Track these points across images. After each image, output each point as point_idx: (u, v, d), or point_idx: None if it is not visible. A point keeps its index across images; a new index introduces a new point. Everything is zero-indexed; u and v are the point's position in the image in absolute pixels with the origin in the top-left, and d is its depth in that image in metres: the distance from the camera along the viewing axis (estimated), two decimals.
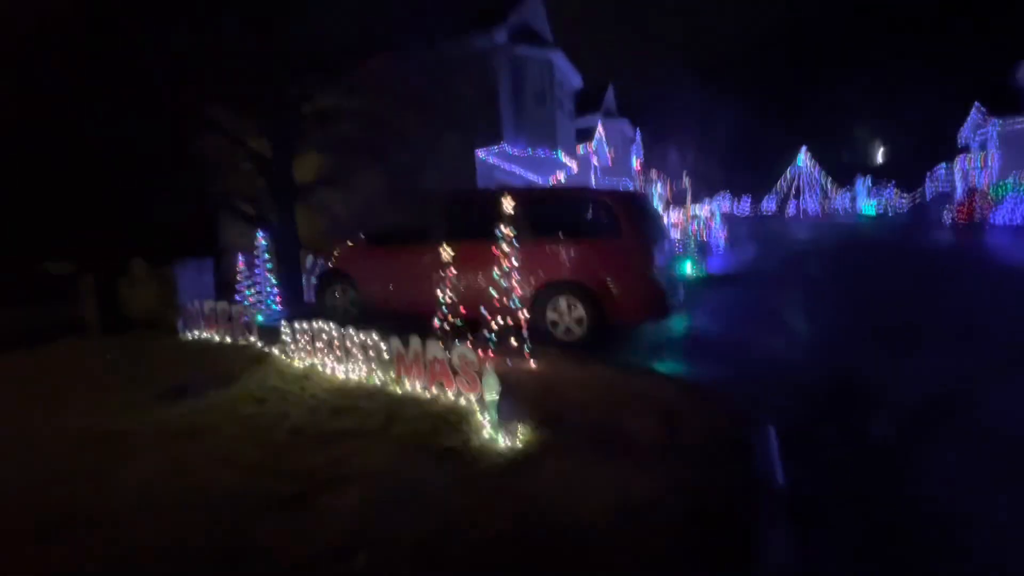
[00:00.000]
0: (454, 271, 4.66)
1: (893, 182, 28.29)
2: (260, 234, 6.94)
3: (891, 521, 2.52)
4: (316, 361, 4.71)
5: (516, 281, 4.41)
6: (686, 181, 28.63)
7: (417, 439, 3.16)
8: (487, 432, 3.15)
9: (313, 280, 8.27)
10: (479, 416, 3.34)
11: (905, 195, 28.40)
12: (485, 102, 12.27)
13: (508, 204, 4.27)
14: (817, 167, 31.53)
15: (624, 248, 5.08)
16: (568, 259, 5.21)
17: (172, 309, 7.10)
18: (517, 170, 15.30)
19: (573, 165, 15.77)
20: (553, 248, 5.29)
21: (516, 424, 3.19)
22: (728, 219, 17.03)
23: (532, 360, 4.38)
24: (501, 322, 4.46)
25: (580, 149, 18.94)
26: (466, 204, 6.08)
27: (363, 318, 6.16)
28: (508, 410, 3.22)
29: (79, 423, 3.76)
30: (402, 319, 4.96)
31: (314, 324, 4.72)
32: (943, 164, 27.35)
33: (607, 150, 21.56)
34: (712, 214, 16.85)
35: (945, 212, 19.20)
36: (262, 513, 2.45)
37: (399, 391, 3.98)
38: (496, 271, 4.38)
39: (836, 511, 2.62)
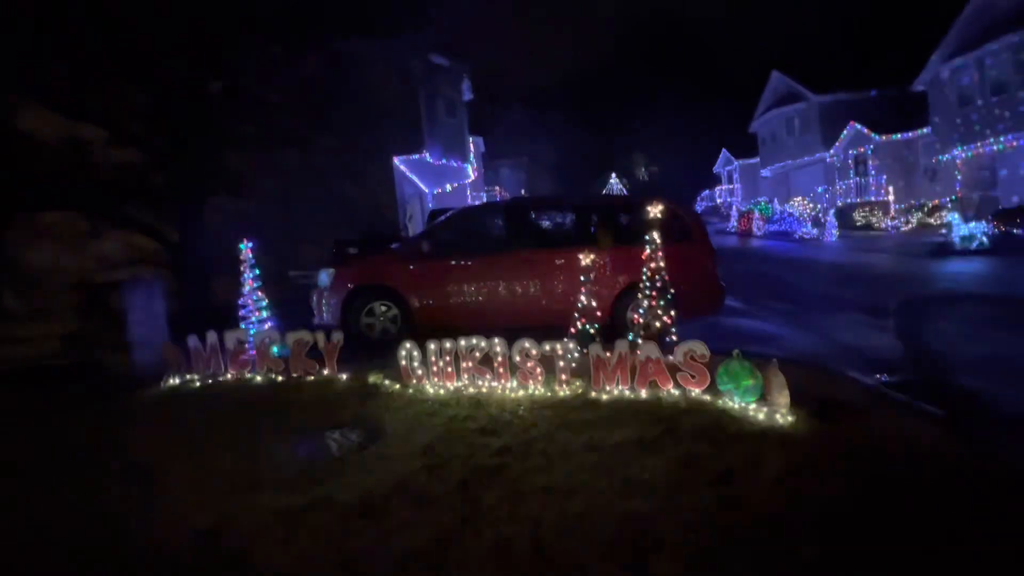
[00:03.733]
0: (589, 276, 4.75)
1: (677, 201, 36.45)
2: (246, 244, 5.57)
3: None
4: (460, 384, 4.22)
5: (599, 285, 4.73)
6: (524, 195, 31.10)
7: (719, 433, 3.29)
8: (759, 416, 3.47)
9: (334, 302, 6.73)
10: (727, 403, 3.62)
11: None
12: (406, 109, 11.79)
13: (656, 210, 4.59)
14: (625, 190, 38.10)
15: (695, 251, 5.83)
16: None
17: (118, 349, 5.20)
18: (416, 178, 14.91)
19: (472, 176, 16.05)
20: (634, 253, 5.72)
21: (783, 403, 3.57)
22: None
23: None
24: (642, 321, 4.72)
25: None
26: (553, 212, 6.09)
27: (407, 337, 5.56)
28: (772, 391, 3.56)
29: None
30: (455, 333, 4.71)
31: (461, 341, 4.23)
32: (707, 190, 36.11)
33: (475, 164, 22.29)
34: None
35: (725, 223, 25.32)
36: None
37: (603, 397, 3.94)
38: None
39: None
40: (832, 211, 18.51)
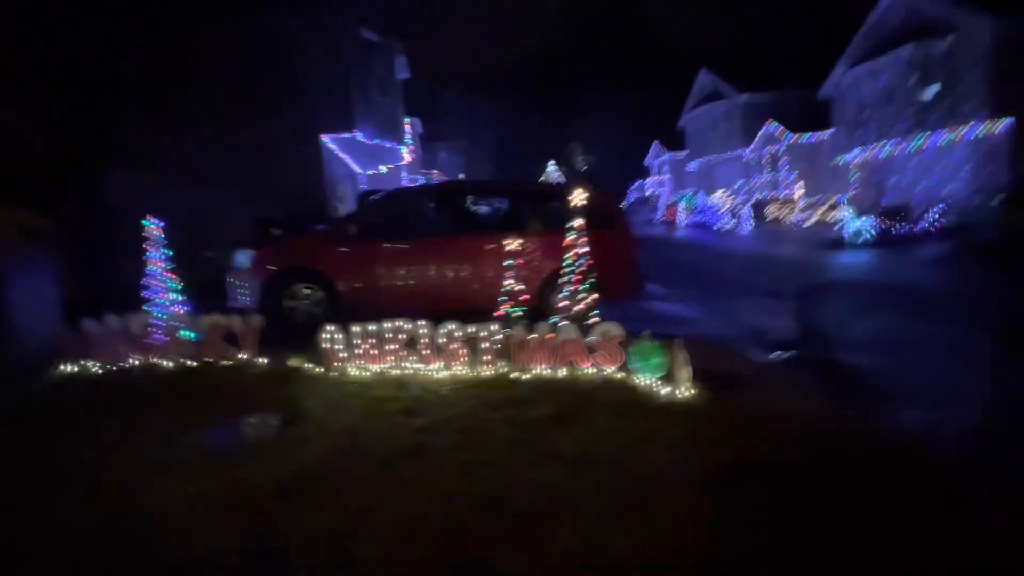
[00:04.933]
0: (518, 260, 4.88)
1: (611, 190, 38.08)
2: (152, 221, 5.19)
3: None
4: (384, 367, 4.24)
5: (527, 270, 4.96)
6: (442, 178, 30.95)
7: (627, 407, 3.55)
8: (661, 390, 3.79)
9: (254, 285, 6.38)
10: (639, 379, 3.92)
11: (620, 200, 38.38)
12: (336, 87, 11.31)
13: (581, 197, 4.79)
14: (562, 176, 38.80)
15: (617, 238, 6.12)
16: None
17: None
18: (347, 158, 14.38)
19: (408, 157, 15.69)
20: (559, 239, 5.92)
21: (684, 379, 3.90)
22: None
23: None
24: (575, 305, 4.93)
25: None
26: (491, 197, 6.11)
27: (333, 321, 5.47)
28: (670, 367, 3.89)
29: None
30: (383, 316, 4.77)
31: (385, 324, 4.23)
32: (639, 180, 37.63)
33: (411, 146, 21.75)
34: None
35: (653, 214, 26.63)
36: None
37: (525, 377, 4.12)
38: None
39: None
40: (747, 206, 19.90)
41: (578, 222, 4.81)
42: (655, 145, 36.63)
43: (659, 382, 3.85)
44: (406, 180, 20.12)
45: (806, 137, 22.77)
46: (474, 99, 35.82)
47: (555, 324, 4.39)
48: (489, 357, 4.19)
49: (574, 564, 2.02)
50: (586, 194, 4.88)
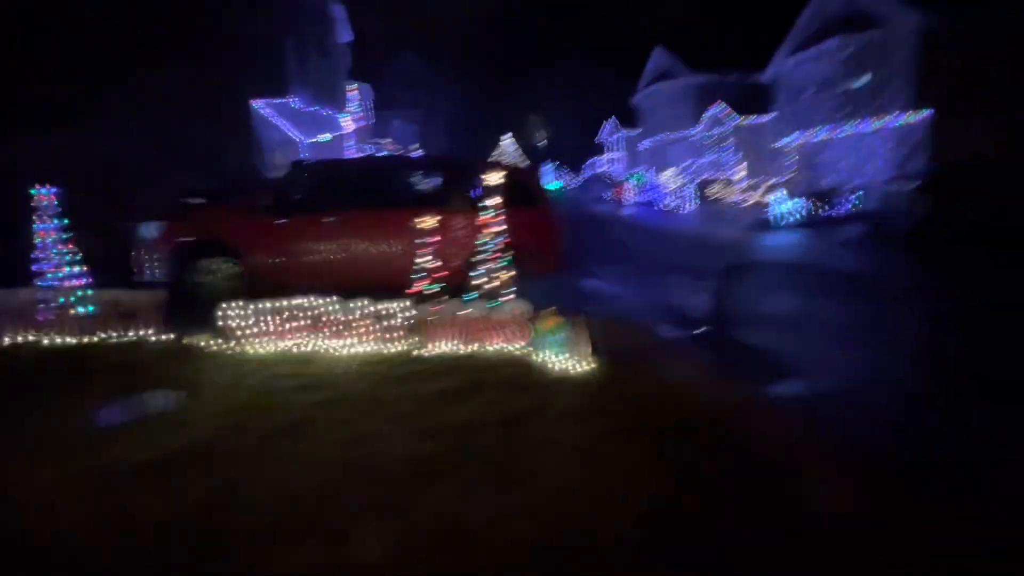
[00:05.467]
0: (442, 237, 4.89)
1: (568, 166, 38.30)
2: (42, 189, 4.84)
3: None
4: (289, 344, 4.20)
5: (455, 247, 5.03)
6: (418, 150, 30.27)
7: (524, 380, 3.70)
8: (558, 366, 3.96)
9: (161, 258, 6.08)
10: (542, 355, 4.07)
11: (575, 176, 38.62)
12: (267, 47, 10.68)
13: (498, 176, 4.82)
14: (518, 150, 38.58)
15: (540, 215, 6.21)
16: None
17: None
18: (285, 125, 13.74)
19: (351, 125, 15.13)
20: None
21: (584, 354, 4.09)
22: None
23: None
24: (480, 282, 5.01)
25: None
26: (419, 172, 6.00)
27: (246, 296, 5.35)
28: (577, 341, 4.06)
29: None
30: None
31: (293, 300, 4.18)
32: (595, 157, 37.88)
33: (360, 113, 20.95)
34: None
35: (605, 191, 27.06)
36: None
37: (433, 353, 4.19)
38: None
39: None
40: (690, 186, 20.49)
41: (494, 200, 4.85)
42: (611, 122, 36.81)
43: (562, 358, 4.02)
44: (352, 149, 19.44)
45: (750, 120, 23.50)
46: (431, 69, 34.73)
47: (464, 301, 4.47)
48: (399, 334, 4.23)
49: (429, 533, 2.14)
50: (503, 172, 4.91)
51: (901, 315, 6.25)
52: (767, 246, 12.09)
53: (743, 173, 22.51)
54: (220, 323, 4.16)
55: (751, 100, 23.62)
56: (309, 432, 2.94)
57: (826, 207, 15.04)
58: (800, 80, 19.41)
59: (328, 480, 2.47)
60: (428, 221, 4.83)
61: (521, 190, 6.17)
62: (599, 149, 38.13)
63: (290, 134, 14.72)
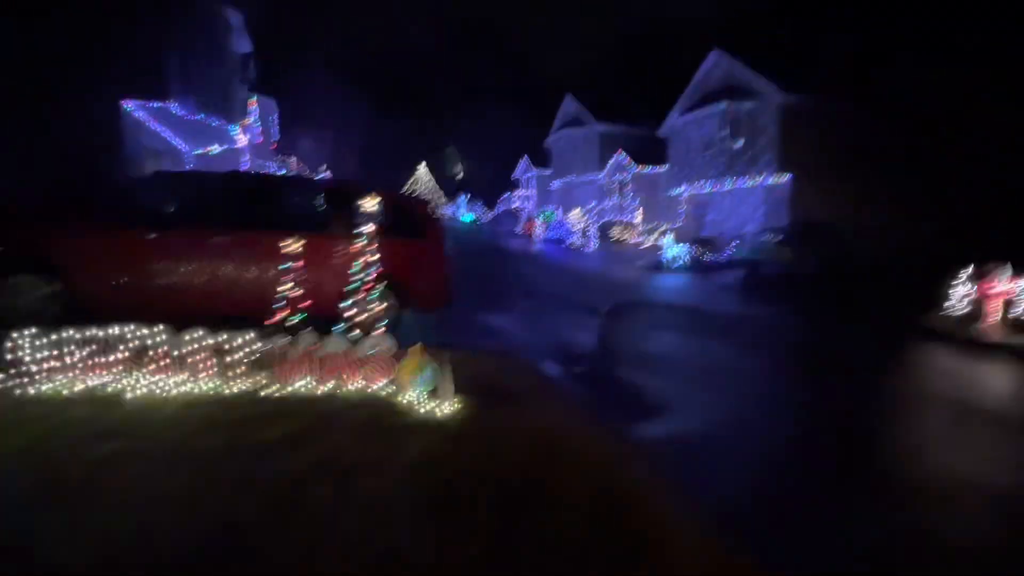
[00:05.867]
0: (294, 264, 4.50)
1: (482, 200, 39.01)
2: None
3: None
4: (101, 381, 3.55)
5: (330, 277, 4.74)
6: (326, 172, 29.18)
7: (376, 425, 3.40)
8: (422, 408, 3.72)
9: None
10: (407, 396, 3.81)
11: (489, 211, 39.35)
12: (144, 44, 9.69)
13: (373, 203, 4.59)
14: (433, 181, 38.54)
15: (428, 247, 6.02)
16: (382, 255, 5.70)
17: None
18: (166, 133, 12.49)
19: (243, 139, 14.09)
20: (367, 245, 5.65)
21: (448, 393, 3.88)
22: None
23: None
24: (351, 314, 4.68)
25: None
26: (285, 192, 5.50)
27: (66, 320, 4.55)
28: (440, 381, 3.86)
29: None
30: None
31: (105, 331, 3.55)
32: (508, 193, 38.91)
33: (258, 128, 19.71)
34: None
35: (515, 226, 27.77)
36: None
37: (281, 392, 3.77)
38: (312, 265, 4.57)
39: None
40: (594, 226, 21.57)
41: (369, 228, 4.59)
42: (524, 160, 38.19)
43: (424, 398, 3.77)
44: (246, 164, 18.15)
45: (648, 169, 25.48)
46: (346, 91, 33.94)
47: (325, 335, 4.10)
48: (241, 371, 3.75)
49: None
50: (378, 199, 4.69)
51: (760, 356, 6.82)
52: (657, 287, 12.88)
53: (640, 218, 24.17)
54: (8, 356, 3.42)
55: (649, 151, 25.70)
56: (84, 494, 2.41)
57: (710, 253, 16.47)
58: (689, 137, 21.48)
59: (105, 555, 1.99)
60: (293, 245, 4.44)
61: (410, 220, 5.98)
62: (514, 185, 39.25)
63: (175, 142, 13.41)
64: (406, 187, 40.44)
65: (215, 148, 14.67)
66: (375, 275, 4.68)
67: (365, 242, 4.61)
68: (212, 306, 4.94)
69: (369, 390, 3.90)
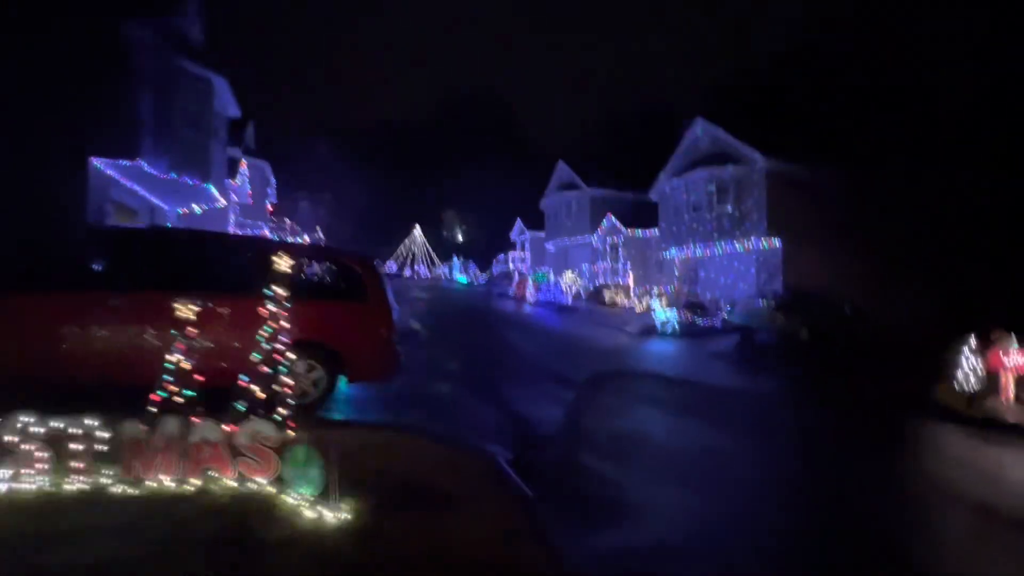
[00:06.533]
0: (193, 330, 3.89)
1: (473, 262, 39.09)
2: None
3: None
4: None
5: (271, 343, 4.13)
6: (320, 235, 29.32)
7: (240, 540, 2.65)
8: (308, 512, 2.99)
9: None
10: (285, 498, 3.08)
11: (482, 272, 39.31)
12: (119, 106, 9.69)
13: (284, 262, 4.06)
14: (426, 243, 38.83)
15: (369, 311, 5.43)
16: (312, 320, 5.10)
17: None
18: (144, 192, 12.35)
19: (222, 200, 13.97)
20: (296, 308, 5.07)
21: (336, 497, 3.14)
22: None
23: (294, 428, 4.12)
24: (253, 389, 4.01)
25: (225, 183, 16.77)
26: (192, 249, 4.99)
27: None
28: (330, 479, 3.14)
29: None
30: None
31: None
32: (502, 254, 38.95)
33: (248, 190, 19.86)
34: None
35: (509, 288, 27.44)
36: None
37: (134, 491, 3.04)
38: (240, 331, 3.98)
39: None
40: (587, 288, 21.13)
41: (278, 290, 4.03)
42: (518, 222, 38.55)
43: (311, 500, 3.04)
44: (232, 225, 18.07)
45: (640, 232, 25.43)
46: (342, 156, 34.94)
47: (208, 419, 3.42)
48: (81, 464, 3.04)
49: None
50: (291, 258, 4.15)
51: (753, 439, 5.99)
52: (644, 353, 12.15)
53: (632, 280, 23.78)
54: None
55: (640, 214, 25.78)
56: None
57: (701, 317, 15.85)
58: (678, 201, 21.51)
59: None
60: (185, 308, 3.85)
61: (348, 279, 5.44)
62: (509, 246, 39.38)
63: (153, 200, 13.27)
64: (400, 249, 40.63)
65: (196, 208, 14.55)
66: (287, 343, 4.06)
67: (273, 305, 4.02)
68: (110, 376, 4.30)
69: (248, 487, 3.17)
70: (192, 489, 3.12)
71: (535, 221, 36.17)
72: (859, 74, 20.31)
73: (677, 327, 14.79)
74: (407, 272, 38.13)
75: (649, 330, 14.91)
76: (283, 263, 4.09)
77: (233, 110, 14.14)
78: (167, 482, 3.12)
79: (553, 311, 20.32)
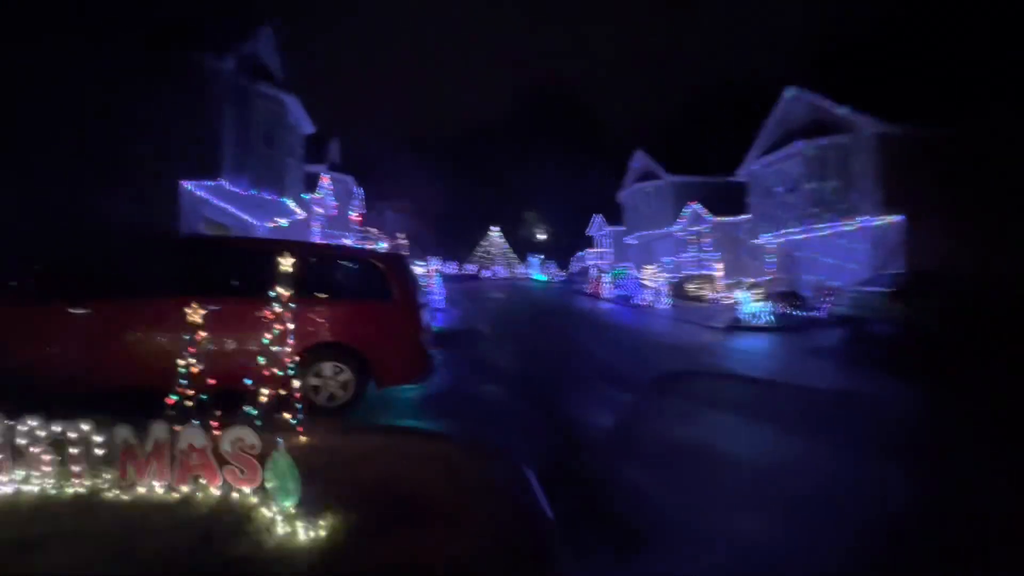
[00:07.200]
0: (203, 334, 3.88)
1: (552, 260, 38.76)
2: None
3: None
4: None
5: (284, 346, 4.01)
6: (405, 241, 30.48)
7: (204, 561, 2.47)
8: (281, 527, 2.74)
9: None
10: (264, 511, 2.87)
11: (561, 270, 38.78)
12: (203, 131, 10.62)
13: (287, 261, 3.92)
14: (505, 243, 39.08)
15: (395, 311, 5.22)
16: (334, 321, 4.99)
17: None
18: (232, 209, 13.46)
19: (300, 213, 14.88)
20: (320, 309, 4.98)
21: (317, 510, 2.88)
22: (442, 277, 19.01)
23: (304, 434, 3.98)
24: (266, 393, 3.91)
25: (305, 196, 18.00)
26: (208, 253, 5.13)
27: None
28: (308, 494, 2.89)
29: None
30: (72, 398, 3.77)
31: None
32: (581, 252, 38.05)
33: (333, 202, 21.12)
34: (432, 273, 18.39)
35: (585, 285, 26.66)
36: None
37: (125, 497, 3.01)
38: (256, 334, 3.88)
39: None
40: (668, 282, 19.73)
41: (283, 290, 3.89)
42: (597, 218, 37.38)
43: (290, 513, 2.80)
44: (316, 235, 19.27)
45: (727, 218, 23.35)
46: (421, 163, 36.28)
47: (174, 424, 3.34)
48: (80, 467, 3.06)
49: None
50: (293, 257, 4.00)
51: (847, 462, 4.87)
52: (728, 349, 10.89)
53: (720, 271, 21.84)
54: None
55: (727, 199, 23.67)
56: None
57: (799, 309, 14.01)
58: (771, 181, 19.35)
59: None
60: (195, 312, 3.84)
61: (372, 278, 5.26)
62: (589, 243, 38.36)
63: (242, 216, 14.46)
64: (479, 251, 41.24)
65: (283, 221, 15.65)
66: (306, 345, 3.92)
67: (279, 307, 3.90)
68: (128, 380, 4.47)
69: (233, 495, 3.02)
70: (178, 497, 3.02)
71: (614, 216, 34.85)
72: (981, 8, 16.83)
73: (771, 320, 13.17)
74: (486, 273, 38.62)
75: (736, 325, 13.42)
76: (286, 263, 3.95)
77: (307, 127, 15.01)
78: (158, 488, 3.06)
79: (630, 307, 19.22)
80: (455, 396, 6.31)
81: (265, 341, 3.89)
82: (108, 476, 3.10)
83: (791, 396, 7.07)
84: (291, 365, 3.92)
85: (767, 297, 14.07)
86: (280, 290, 3.89)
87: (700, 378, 8.06)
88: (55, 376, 4.40)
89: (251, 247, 5.82)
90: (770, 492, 3.88)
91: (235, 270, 4.92)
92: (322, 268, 5.14)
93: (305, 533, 2.71)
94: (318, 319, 4.89)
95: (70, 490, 3.02)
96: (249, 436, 3.04)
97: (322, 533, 2.75)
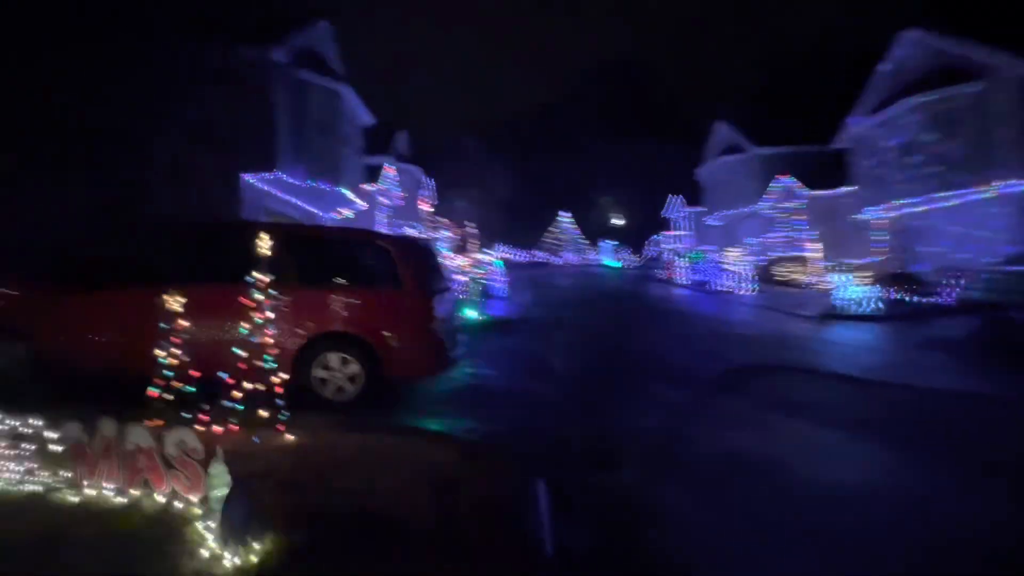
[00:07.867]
0: (186, 322, 3.62)
1: (627, 245, 36.95)
2: None
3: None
4: None
5: (273, 335, 3.65)
6: (472, 229, 30.49)
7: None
8: (208, 548, 2.33)
9: None
10: (199, 526, 2.48)
11: (636, 255, 36.95)
12: (259, 124, 10.90)
13: (264, 243, 3.53)
14: (576, 228, 37.95)
15: (406, 298, 4.74)
16: (339, 309, 4.61)
17: None
18: (295, 200, 13.87)
19: (361, 202, 15.06)
20: (324, 296, 4.63)
21: (253, 529, 2.44)
22: (510, 265, 18.51)
23: (287, 432, 3.62)
24: (249, 386, 3.58)
25: (369, 187, 18.33)
26: (212, 238, 4.97)
27: (40, 386, 4.38)
28: (243, 510, 2.45)
29: None
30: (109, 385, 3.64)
31: None
32: (658, 235, 35.88)
33: (399, 192, 21.38)
34: (494, 260, 17.99)
35: (659, 271, 25.06)
36: None
37: (74, 499, 2.77)
38: (244, 323, 3.55)
39: None
40: (748, 266, 17.82)
41: (261, 276, 3.53)
42: (676, 199, 34.95)
43: (223, 532, 2.39)
44: (382, 225, 19.59)
45: (823, 192, 20.60)
46: (491, 151, 36.02)
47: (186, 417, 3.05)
48: (29, 466, 2.87)
49: None
50: (271, 239, 3.61)
51: (970, 486, 3.68)
52: (820, 342, 9.36)
53: (817, 252, 19.32)
54: None
55: (823, 171, 20.88)
56: None
57: (915, 294, 11.84)
58: (880, 145, 16.62)
59: None
60: (176, 299, 3.59)
61: (383, 265, 4.82)
62: (666, 226, 36.06)
63: (305, 207, 14.92)
64: (548, 236, 40.37)
65: (348, 212, 15.99)
66: (269, 336, 3.55)
67: (259, 295, 3.54)
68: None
69: (177, 504, 2.68)
70: (124, 501, 2.74)
71: (693, 196, 32.36)
72: None
73: (878, 307, 11.23)
74: (556, 260, 37.71)
75: (833, 313, 11.59)
76: (264, 245, 3.57)
77: (365, 118, 15.11)
78: (105, 490, 2.80)
79: (707, 294, 17.58)
80: (484, 392, 5.76)
81: (243, 331, 3.55)
82: (66, 475, 2.90)
83: (897, 400, 5.72)
84: (269, 357, 3.55)
85: (876, 280, 12.02)
86: (257, 275, 3.52)
87: (777, 375, 6.83)
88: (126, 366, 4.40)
89: (231, 230, 5.56)
90: (863, 534, 2.90)
91: (211, 254, 4.70)
92: (323, 251, 4.79)
93: (231, 559, 2.28)
94: (321, 306, 4.54)
95: (28, 488, 2.85)
96: (190, 439, 2.67)
97: (252, 559, 2.31)
